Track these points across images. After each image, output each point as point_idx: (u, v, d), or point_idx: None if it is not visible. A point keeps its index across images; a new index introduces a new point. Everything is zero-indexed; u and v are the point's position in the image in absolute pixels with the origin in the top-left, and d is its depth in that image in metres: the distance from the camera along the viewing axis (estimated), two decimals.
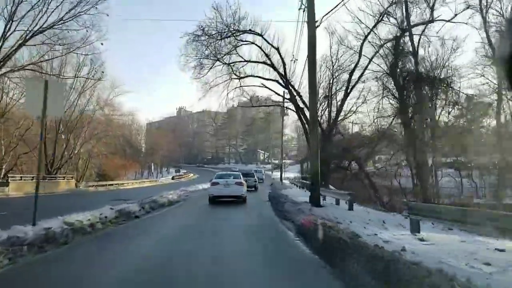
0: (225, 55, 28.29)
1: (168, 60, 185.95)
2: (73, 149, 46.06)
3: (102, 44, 33.56)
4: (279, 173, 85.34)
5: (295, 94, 27.22)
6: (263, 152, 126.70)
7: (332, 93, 35.97)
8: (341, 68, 35.74)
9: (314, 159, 17.52)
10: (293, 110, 29.11)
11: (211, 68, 28.68)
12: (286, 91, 28.89)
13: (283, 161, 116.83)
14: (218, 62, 28.48)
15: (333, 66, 37.66)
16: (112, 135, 63.18)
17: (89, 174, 56.06)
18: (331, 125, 30.59)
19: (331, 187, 26.93)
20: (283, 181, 56.33)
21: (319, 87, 38.44)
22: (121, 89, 57.27)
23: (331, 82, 37.60)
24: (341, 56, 35.24)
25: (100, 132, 52.43)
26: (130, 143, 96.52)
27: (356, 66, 30.57)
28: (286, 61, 27.51)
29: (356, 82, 30.93)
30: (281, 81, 28.15)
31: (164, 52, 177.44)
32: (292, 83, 28.38)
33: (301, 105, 28.31)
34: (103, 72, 40.81)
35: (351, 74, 30.94)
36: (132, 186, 50.39)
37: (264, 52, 27.26)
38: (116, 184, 48.92)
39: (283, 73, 26.92)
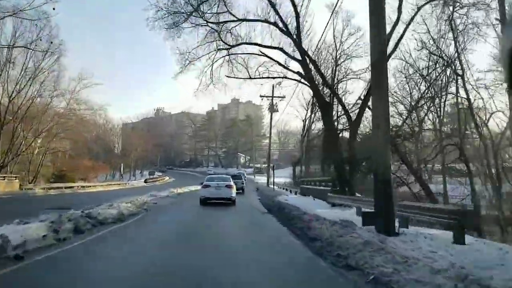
0: (210, 14, 20.59)
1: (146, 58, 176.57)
2: (22, 144, 37.60)
3: (54, 9, 26.02)
4: (262, 177, 78.42)
5: (308, 62, 19.52)
6: (243, 155, 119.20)
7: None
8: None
9: (382, 152, 9.59)
10: (306, 85, 21.38)
11: (192, 27, 20.91)
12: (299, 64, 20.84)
13: (264, 165, 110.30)
14: (200, 20, 20.70)
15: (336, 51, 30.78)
16: (77, 131, 54.98)
17: (47, 174, 47.59)
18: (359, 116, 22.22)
19: (357, 194, 19.67)
20: (271, 186, 49.13)
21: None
22: (89, 82, 49.28)
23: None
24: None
25: (57, 126, 44.06)
26: (102, 143, 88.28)
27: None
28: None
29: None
30: (288, 50, 20.41)
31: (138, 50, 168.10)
32: (305, 48, 20.51)
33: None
34: (51, 42, 32.93)
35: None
36: (95, 189, 42.27)
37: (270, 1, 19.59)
38: (76, 186, 40.64)
39: (294, 33, 19.20)
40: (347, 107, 24.50)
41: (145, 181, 65.61)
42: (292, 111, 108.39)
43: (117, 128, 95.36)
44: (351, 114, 22.59)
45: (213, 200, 19.87)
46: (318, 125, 43.44)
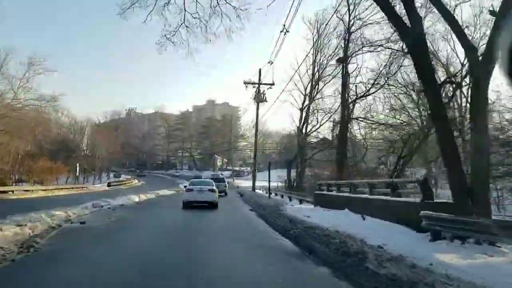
0: None
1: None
2: None
3: None
4: (242, 181, 69.65)
5: None
6: (220, 157, 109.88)
7: None
8: None
9: None
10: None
11: None
12: None
13: (243, 168, 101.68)
14: None
15: None
16: (29, 127, 45.60)
17: None
18: None
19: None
20: (259, 191, 40.50)
21: None
22: (41, 67, 40.06)
23: None
24: None
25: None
26: (65, 143, 77.76)
27: None
28: None
29: None
30: None
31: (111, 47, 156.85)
32: None
33: None
34: None
35: None
36: (36, 194, 32.74)
37: None
38: (11, 191, 31.09)
39: None
40: None
41: (109, 185, 55.87)
42: (282, 101, 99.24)
43: (82, 127, 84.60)
44: None
45: (196, 204, 19.70)
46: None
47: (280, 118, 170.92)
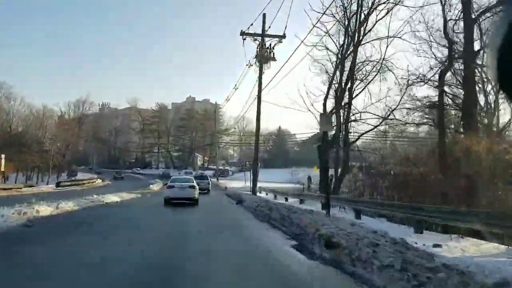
0: None
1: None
2: None
3: None
4: (228, 181, 57.03)
5: None
6: (201, 156, 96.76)
7: None
8: None
9: None
10: None
11: None
12: None
13: (228, 167, 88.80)
14: None
15: None
16: None
17: None
18: None
19: None
20: (262, 194, 28.23)
21: None
22: None
23: None
24: None
25: None
26: (16, 136, 63.84)
27: None
28: None
29: None
30: None
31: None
32: None
33: None
34: None
35: None
36: None
37: None
38: None
39: None
40: None
41: (58, 185, 42.37)
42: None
43: (38, 117, 70.23)
44: None
45: (177, 200, 19.59)
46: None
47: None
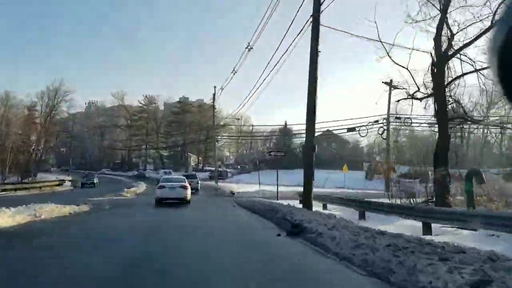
0: None
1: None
2: None
3: None
4: (227, 184, 44.60)
5: None
6: (194, 156, 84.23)
7: None
8: None
9: None
10: None
11: None
12: None
13: (224, 169, 76.24)
14: None
15: None
16: None
17: None
18: None
19: None
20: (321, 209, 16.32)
21: None
22: None
23: None
24: None
25: None
26: None
27: None
28: None
29: None
30: None
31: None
32: None
33: None
34: None
35: None
36: None
37: None
38: None
39: None
40: None
41: None
42: None
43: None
44: None
45: (168, 200, 18.98)
46: None
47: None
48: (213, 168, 77.83)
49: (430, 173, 19.22)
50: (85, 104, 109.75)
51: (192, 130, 73.70)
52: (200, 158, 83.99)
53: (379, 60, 16.16)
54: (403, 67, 16.36)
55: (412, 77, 15.75)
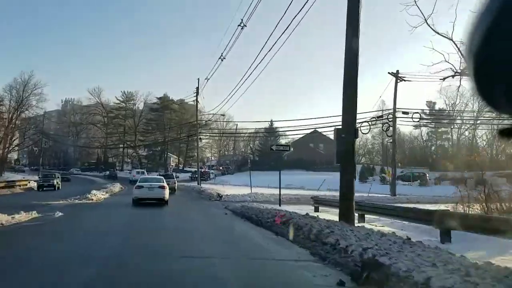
0: None
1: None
2: None
3: None
4: (211, 185, 40.05)
5: None
6: (175, 156, 79.53)
7: None
8: None
9: None
10: None
11: None
12: None
13: (206, 170, 71.61)
14: None
15: None
16: None
17: None
18: None
19: None
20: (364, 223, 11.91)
21: None
22: None
23: None
24: None
25: None
26: None
27: None
28: None
29: None
30: None
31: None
32: None
33: None
34: None
35: None
36: None
37: None
38: None
39: None
40: None
41: None
42: None
43: None
44: None
45: (146, 201, 18.16)
46: None
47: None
48: (194, 169, 73.57)
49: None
50: (62, 102, 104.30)
51: (173, 129, 68.89)
52: (180, 159, 79.39)
53: (412, 31, 12.21)
54: (447, 37, 12.47)
55: (459, 49, 11.85)
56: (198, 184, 40.82)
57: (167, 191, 18.97)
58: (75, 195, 21.32)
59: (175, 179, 35.30)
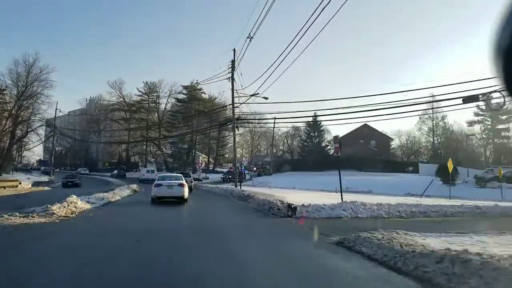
0: None
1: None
2: None
3: None
4: (250, 188, 29.58)
5: None
6: (204, 155, 69.65)
7: None
8: None
9: None
10: None
11: None
12: None
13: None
14: None
15: None
16: None
17: None
18: None
19: None
20: None
21: None
22: None
23: None
24: None
25: None
26: None
27: None
28: None
29: None
30: None
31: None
32: None
33: None
34: None
35: None
36: None
37: None
38: None
39: None
40: None
41: None
42: None
43: None
44: None
45: (165, 199, 17.27)
46: None
47: None
48: (225, 169, 63.62)
49: None
50: (86, 100, 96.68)
51: (202, 123, 58.80)
52: (210, 159, 69.49)
53: None
54: None
55: None
56: (236, 186, 30.49)
57: (186, 189, 18.14)
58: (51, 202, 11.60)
59: (191, 177, 32.93)
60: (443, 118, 60.99)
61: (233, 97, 31.87)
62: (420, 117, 60.61)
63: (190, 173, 34.81)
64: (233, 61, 31.30)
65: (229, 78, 31.64)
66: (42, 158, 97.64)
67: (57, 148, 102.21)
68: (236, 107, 31.74)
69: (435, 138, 63.57)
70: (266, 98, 33.17)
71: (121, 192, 21.77)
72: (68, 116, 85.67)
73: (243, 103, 31.61)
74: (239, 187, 30.48)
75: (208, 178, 54.07)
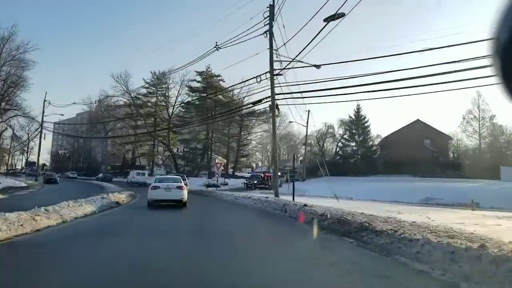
0: None
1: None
2: None
3: None
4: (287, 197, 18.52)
5: None
6: (221, 158, 58.62)
7: None
8: None
9: None
10: None
11: None
12: None
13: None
14: None
15: None
16: None
17: None
18: None
19: None
20: None
21: None
22: None
23: None
24: None
25: None
26: None
27: None
28: None
29: None
30: None
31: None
32: None
33: None
34: None
35: None
36: None
37: None
38: None
39: None
40: None
41: None
42: None
43: None
44: None
45: (163, 203, 16.32)
46: None
47: None
48: (246, 174, 52.98)
49: None
50: (95, 102, 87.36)
51: (217, 118, 47.83)
52: (228, 162, 58.59)
53: None
54: None
55: None
56: (276, 195, 19.57)
57: (185, 192, 16.91)
58: None
59: (186, 180, 28.89)
60: (491, 118, 50.40)
61: (271, 61, 20.88)
62: (464, 117, 51.15)
63: (185, 176, 31.39)
64: (271, 6, 20.40)
65: (266, 32, 20.73)
66: (45, 163, 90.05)
67: (60, 152, 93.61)
68: (280, 74, 20.72)
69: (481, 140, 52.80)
70: (318, 67, 22.24)
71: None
72: (75, 118, 77.33)
73: (284, 68, 20.81)
74: (282, 196, 19.85)
75: (227, 184, 43.23)
